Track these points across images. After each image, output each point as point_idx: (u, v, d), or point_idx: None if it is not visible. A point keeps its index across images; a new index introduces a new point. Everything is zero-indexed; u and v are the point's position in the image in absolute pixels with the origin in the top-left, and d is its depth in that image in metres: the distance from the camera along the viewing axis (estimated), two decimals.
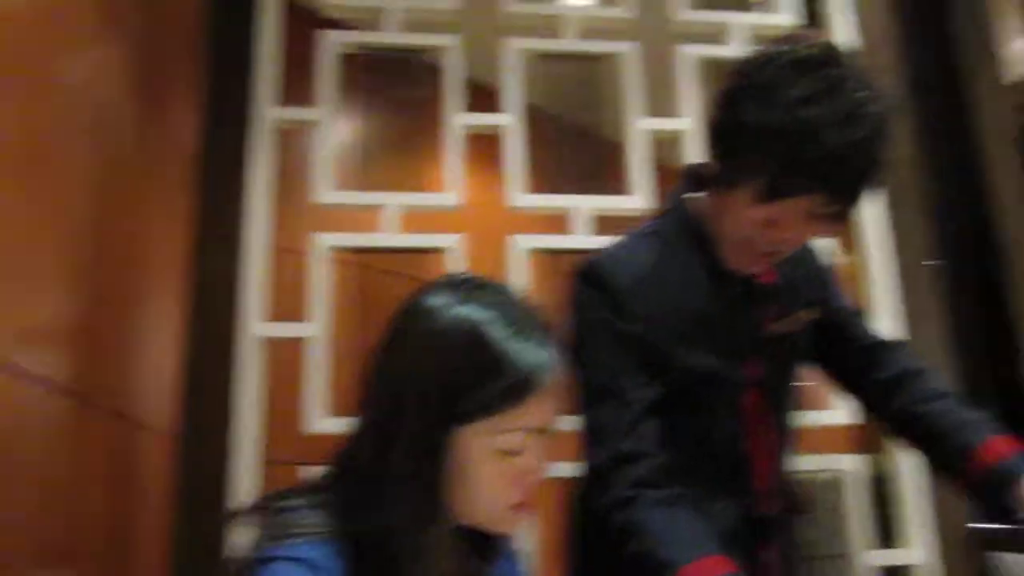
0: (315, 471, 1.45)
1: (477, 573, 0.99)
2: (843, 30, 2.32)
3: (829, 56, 1.18)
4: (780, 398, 1.42)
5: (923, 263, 2.26)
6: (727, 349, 1.34)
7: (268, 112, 2.06)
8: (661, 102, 2.28)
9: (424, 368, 0.88)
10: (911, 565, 1.99)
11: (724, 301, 1.34)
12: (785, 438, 1.44)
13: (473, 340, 0.88)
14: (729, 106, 1.23)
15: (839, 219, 1.24)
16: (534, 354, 0.89)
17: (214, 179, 2.02)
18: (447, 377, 0.87)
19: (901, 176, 2.31)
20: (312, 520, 0.88)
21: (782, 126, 1.14)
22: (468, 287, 0.94)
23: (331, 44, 2.13)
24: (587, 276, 1.36)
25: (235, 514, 0.96)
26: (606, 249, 1.42)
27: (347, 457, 0.95)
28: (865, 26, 2.38)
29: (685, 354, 1.32)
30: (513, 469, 0.91)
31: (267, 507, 0.93)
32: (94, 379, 1.49)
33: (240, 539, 0.92)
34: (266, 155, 2.04)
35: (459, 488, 0.90)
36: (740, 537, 1.34)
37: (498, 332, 0.88)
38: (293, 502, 0.92)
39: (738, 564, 1.23)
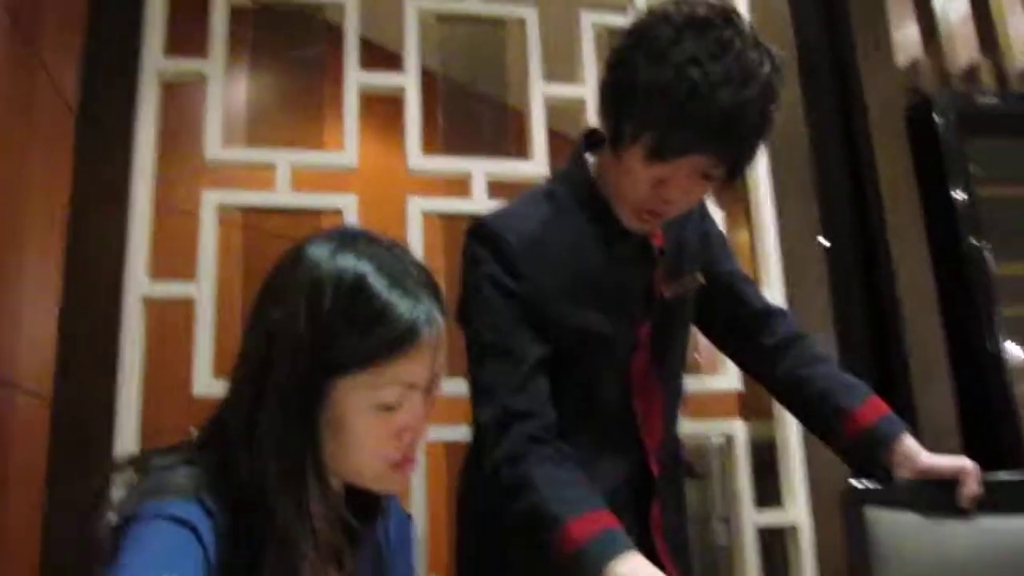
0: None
1: (354, 532, 0.97)
2: (738, 2, 2.37)
3: (722, 18, 1.18)
4: (668, 360, 1.43)
5: (812, 240, 2.34)
6: (616, 310, 1.35)
7: (156, 62, 1.97)
8: (565, 70, 2.29)
9: (299, 317, 0.85)
10: (790, 525, 2.08)
11: (614, 262, 1.35)
12: (672, 400, 1.46)
13: (352, 289, 0.86)
14: (621, 65, 1.23)
15: (728, 179, 1.25)
16: (414, 306, 0.87)
17: (97, 131, 1.93)
18: (323, 325, 0.85)
19: (789, 152, 2.38)
20: (183, 477, 0.85)
21: (672, 84, 1.14)
22: (350, 237, 0.91)
23: None
24: (477, 234, 1.35)
25: (106, 472, 0.91)
26: (498, 209, 1.41)
27: (220, 413, 0.92)
28: (758, 3, 2.44)
29: (573, 313, 1.32)
30: (391, 424, 0.89)
31: (138, 465, 0.90)
32: None
33: (112, 498, 0.88)
34: (153, 107, 1.96)
35: (335, 443, 0.88)
36: (628, 495, 1.36)
37: (378, 282, 0.87)
38: (165, 460, 0.89)
39: (626, 521, 1.25)
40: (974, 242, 2.31)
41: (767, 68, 1.17)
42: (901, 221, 2.39)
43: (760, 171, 2.28)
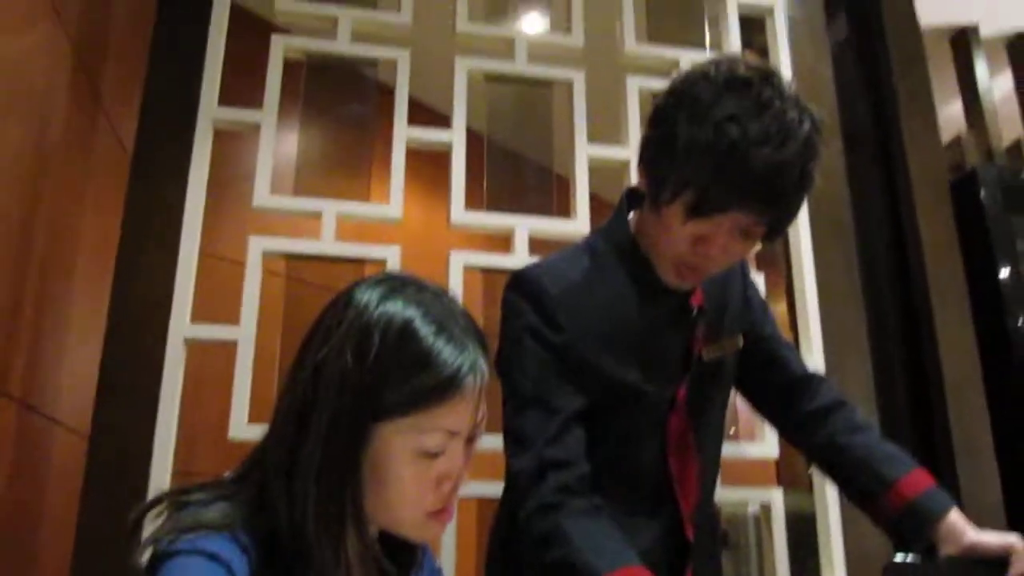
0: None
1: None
2: (783, 77, 2.38)
3: (761, 77, 1.19)
4: (705, 422, 1.41)
5: (854, 310, 2.31)
6: (655, 367, 1.34)
7: (211, 111, 2.02)
8: (610, 133, 2.32)
9: (346, 358, 0.86)
10: None
11: (653, 319, 1.34)
12: (709, 464, 1.44)
13: (400, 334, 0.86)
14: (662, 122, 1.24)
15: (769, 238, 1.26)
16: (460, 354, 0.87)
17: (151, 177, 1.98)
18: (370, 368, 0.85)
19: (832, 220, 2.37)
20: (218, 513, 0.85)
21: (711, 142, 1.15)
22: (399, 283, 0.92)
23: (280, 47, 2.11)
24: (517, 284, 1.35)
25: (145, 506, 0.92)
26: (539, 261, 1.42)
27: (260, 450, 0.92)
28: (804, 73, 2.46)
29: (612, 367, 1.31)
30: (432, 472, 0.89)
31: (175, 499, 0.90)
32: (6, 369, 1.43)
33: (145, 534, 0.88)
34: (206, 155, 2.00)
35: (375, 488, 0.88)
36: (661, 558, 1.33)
37: (425, 328, 0.87)
38: (198, 496, 0.89)
39: None
40: (1020, 320, 2.28)
41: (807, 127, 1.18)
42: (945, 295, 2.35)
43: (803, 238, 2.27)
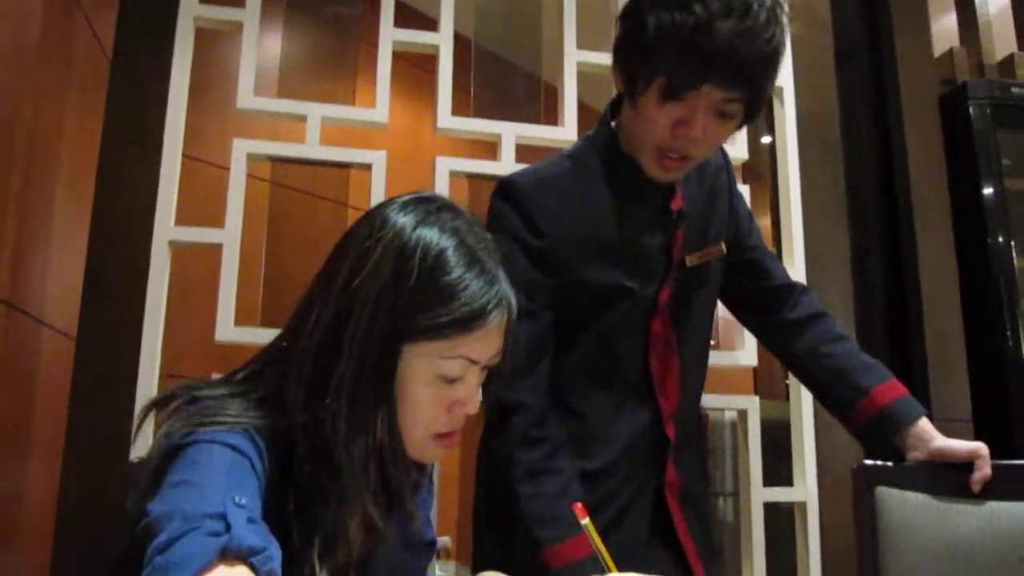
0: None
1: (408, 495, 0.97)
2: None
3: None
4: (689, 326, 1.45)
5: (837, 224, 2.34)
6: (634, 267, 1.38)
7: (193, 9, 1.98)
8: (600, 41, 2.28)
9: (383, 281, 0.87)
10: (799, 502, 2.10)
11: (633, 221, 1.37)
12: (692, 368, 1.48)
13: (436, 262, 0.87)
14: (630, 14, 1.27)
15: (746, 117, 1.29)
16: (490, 287, 0.89)
17: (132, 77, 1.94)
18: (405, 292, 0.86)
19: (819, 134, 2.38)
20: (234, 410, 0.87)
21: (678, 23, 1.19)
22: (436, 208, 0.93)
23: None
24: (501, 191, 1.39)
25: (153, 402, 0.94)
26: (524, 169, 1.44)
27: (277, 353, 0.94)
28: None
29: (593, 269, 1.35)
30: (448, 396, 0.91)
31: (185, 395, 0.91)
32: None
33: (158, 428, 0.89)
34: (187, 55, 1.97)
35: (394, 405, 0.89)
36: (643, 454, 1.39)
37: (460, 259, 0.88)
38: (212, 391, 0.90)
39: (639, 479, 1.35)
40: (1000, 238, 2.30)
41: (769, 1, 1.21)
42: (929, 210, 2.38)
43: (790, 153, 2.28)
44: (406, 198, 0.94)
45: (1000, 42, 3.10)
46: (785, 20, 1.25)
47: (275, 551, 0.74)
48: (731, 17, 1.18)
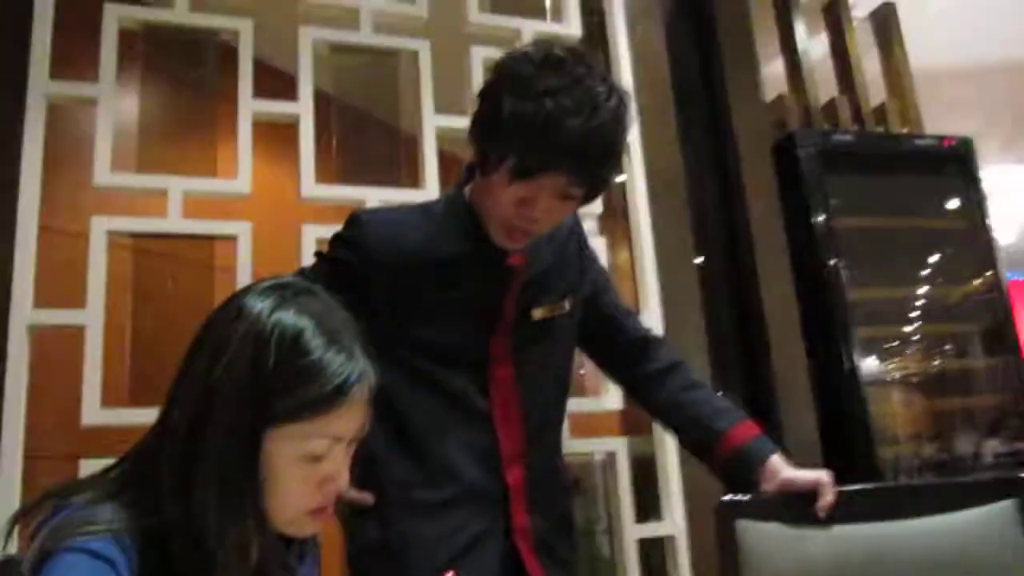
0: (94, 464, 1.41)
1: (277, 571, 0.98)
2: (619, 41, 2.52)
3: (575, 56, 1.33)
4: (536, 375, 1.51)
5: (687, 263, 2.48)
6: (470, 320, 1.45)
7: (43, 85, 1.94)
8: (456, 99, 2.37)
9: (240, 369, 0.88)
10: (668, 535, 2.21)
11: (466, 265, 1.45)
12: (539, 413, 1.53)
13: (292, 346, 0.89)
14: (487, 97, 1.35)
15: (584, 199, 1.40)
16: (347, 366, 0.91)
17: None
18: (263, 379, 0.88)
19: (665, 180, 2.52)
20: (103, 515, 0.87)
21: (530, 113, 1.27)
22: (290, 292, 0.95)
23: (114, 18, 2.04)
24: (348, 219, 1.48)
25: (23, 509, 0.92)
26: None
27: (146, 452, 0.94)
28: (638, 39, 2.58)
29: (414, 312, 1.44)
30: (316, 475, 0.92)
31: (55, 501, 0.90)
32: None
33: (25, 536, 0.89)
34: (39, 130, 1.93)
35: (263, 489, 0.91)
36: (492, 490, 1.44)
37: (316, 341, 0.90)
38: (82, 497, 0.90)
39: (482, 523, 1.41)
40: (832, 265, 2.51)
41: (614, 101, 1.32)
42: (768, 248, 2.57)
43: (639, 203, 2.41)
44: (262, 286, 0.96)
45: (824, 86, 3.38)
46: (629, 116, 1.35)
47: None
48: (580, 115, 1.27)
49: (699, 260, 2.56)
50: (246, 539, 0.88)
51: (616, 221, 2.53)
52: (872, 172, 2.75)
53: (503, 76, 1.34)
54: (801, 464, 1.52)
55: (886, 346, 2.74)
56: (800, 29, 3.34)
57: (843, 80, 3.41)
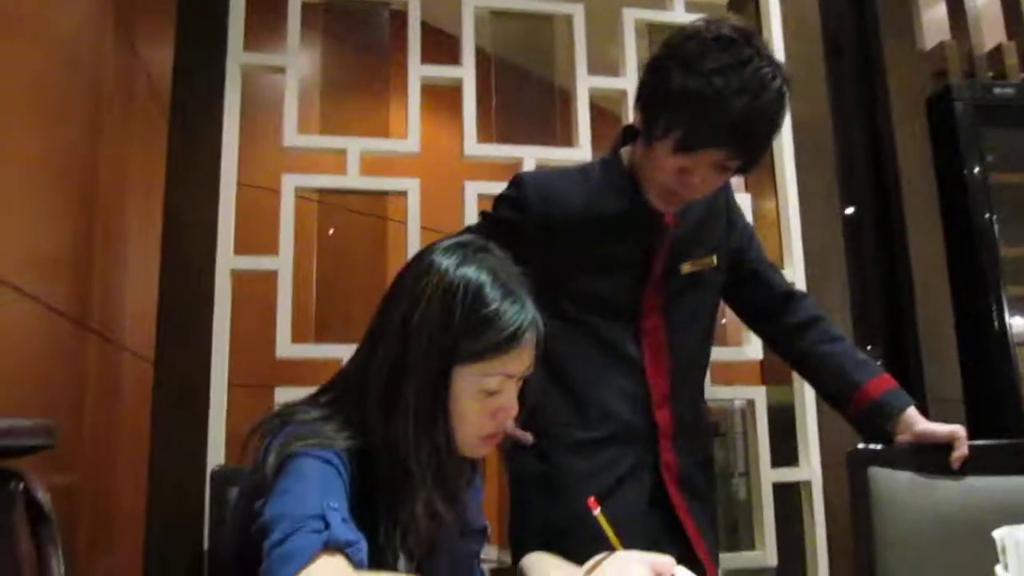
0: (287, 393, 1.63)
1: (463, 488, 1.17)
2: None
3: (743, 37, 1.41)
4: (681, 326, 1.63)
5: (833, 217, 2.50)
6: (624, 275, 1.58)
7: (238, 57, 2.19)
8: (609, 60, 2.47)
9: (433, 318, 1.05)
10: (804, 480, 2.31)
11: (625, 230, 1.57)
12: (685, 360, 1.64)
13: (475, 298, 1.06)
14: (657, 71, 1.45)
15: (739, 171, 1.50)
16: (520, 314, 1.07)
17: (188, 122, 2.16)
18: (452, 327, 1.05)
19: (813, 132, 2.53)
20: (326, 430, 1.06)
21: (699, 90, 1.37)
22: (471, 250, 1.12)
23: None
24: (511, 181, 1.62)
25: (257, 423, 1.12)
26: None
27: (351, 383, 1.13)
28: None
29: (572, 265, 1.56)
30: (491, 406, 1.09)
31: (280, 419, 1.10)
32: (85, 304, 1.63)
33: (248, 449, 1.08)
34: (236, 97, 2.17)
35: (449, 417, 1.08)
36: (641, 429, 1.57)
37: (494, 293, 1.07)
38: (302, 416, 1.09)
39: (634, 458, 1.54)
40: (986, 228, 2.47)
41: (778, 82, 1.40)
42: (918, 204, 2.55)
43: (787, 164, 2.46)
44: (447, 243, 1.13)
45: (989, 30, 3.23)
46: (788, 99, 1.42)
47: (363, 544, 0.93)
48: (745, 95, 1.36)
49: (847, 212, 2.56)
50: (436, 458, 1.06)
51: (762, 171, 2.57)
52: None
53: (674, 51, 1.43)
54: (943, 421, 1.58)
55: None
56: None
57: (1011, 24, 3.26)
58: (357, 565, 0.90)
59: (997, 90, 2.62)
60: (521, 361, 1.09)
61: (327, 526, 0.90)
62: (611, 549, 1.00)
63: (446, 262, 1.09)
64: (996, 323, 2.40)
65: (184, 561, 1.95)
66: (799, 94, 2.47)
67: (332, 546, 0.89)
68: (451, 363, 1.06)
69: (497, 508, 2.20)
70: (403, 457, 1.05)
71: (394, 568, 1.04)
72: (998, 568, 0.87)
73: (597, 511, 0.91)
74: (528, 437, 1.58)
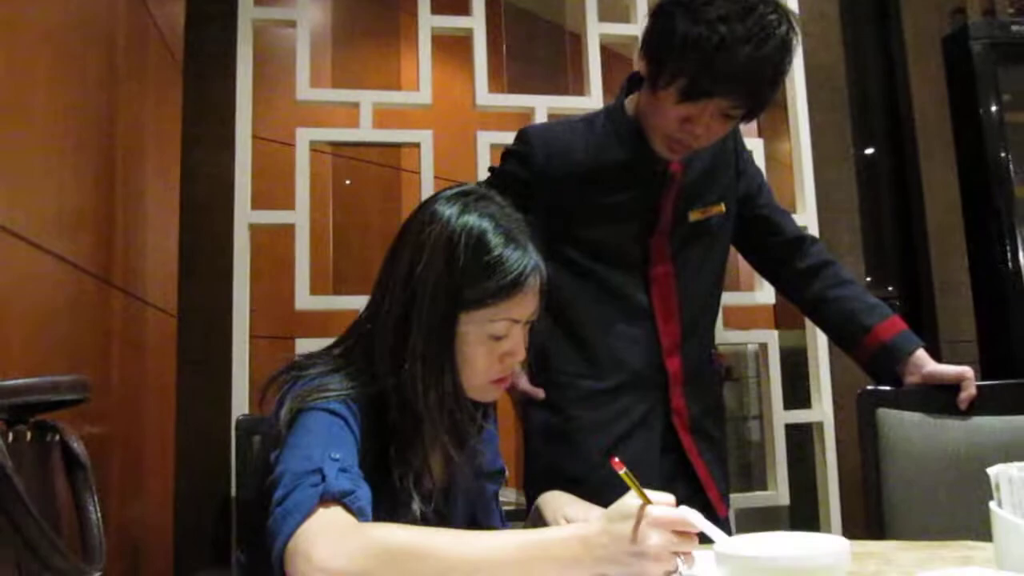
0: (307, 343, 1.67)
1: (473, 432, 1.20)
2: None
3: None
4: (691, 272, 1.65)
5: (845, 156, 2.49)
6: (631, 223, 1.59)
7: (249, 11, 2.19)
8: (620, 8, 2.45)
9: (438, 266, 1.08)
10: (816, 422, 2.34)
11: (631, 179, 1.58)
12: (695, 307, 1.66)
13: (477, 245, 1.08)
14: (662, 18, 1.45)
15: (744, 118, 1.50)
16: (523, 259, 1.10)
17: (202, 77, 2.18)
18: (456, 273, 1.08)
19: (827, 70, 2.52)
20: (335, 383, 1.10)
21: (703, 38, 1.37)
22: (472, 198, 1.14)
23: None
24: (517, 136, 1.64)
25: (272, 377, 1.17)
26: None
27: (359, 332, 1.17)
28: None
29: (579, 214, 1.58)
30: (498, 350, 1.12)
31: (295, 372, 1.14)
32: (108, 261, 1.66)
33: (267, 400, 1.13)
34: (248, 51, 2.18)
35: (456, 363, 1.12)
36: (652, 377, 1.61)
37: (496, 239, 1.09)
38: (315, 369, 1.13)
39: (646, 404, 1.57)
40: (1001, 167, 2.45)
41: (783, 29, 1.40)
42: (933, 142, 2.54)
43: (797, 89, 2.44)
44: (448, 193, 1.15)
45: None
46: (794, 46, 1.42)
47: (363, 492, 0.96)
48: (750, 43, 1.36)
49: (862, 153, 2.55)
50: (445, 403, 1.10)
51: (775, 112, 2.56)
52: None
53: None
54: (955, 362, 1.60)
55: None
56: None
57: None
58: (356, 513, 0.93)
59: (1015, 27, 2.58)
60: (525, 306, 1.12)
61: (323, 479, 0.94)
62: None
63: (448, 211, 1.11)
64: (1010, 263, 2.40)
65: (213, 505, 2.02)
66: (812, 33, 2.47)
67: (328, 497, 0.92)
68: (456, 310, 1.09)
69: (515, 457, 2.25)
70: (413, 403, 1.09)
71: (409, 509, 1.08)
72: (992, 504, 0.90)
73: (623, 471, 0.93)
74: (540, 393, 1.61)
